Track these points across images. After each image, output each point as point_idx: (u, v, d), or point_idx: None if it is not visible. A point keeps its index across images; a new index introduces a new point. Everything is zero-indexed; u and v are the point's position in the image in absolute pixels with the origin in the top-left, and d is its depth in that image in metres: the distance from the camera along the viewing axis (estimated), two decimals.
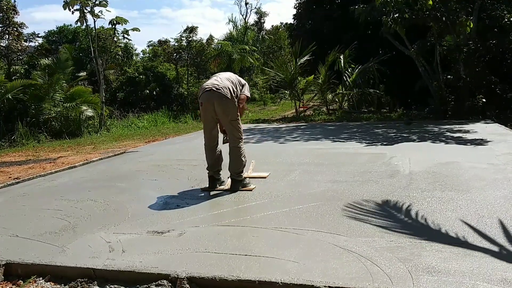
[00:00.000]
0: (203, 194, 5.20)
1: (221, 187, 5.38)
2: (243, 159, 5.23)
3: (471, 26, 11.98)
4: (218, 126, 5.37)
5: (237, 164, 5.20)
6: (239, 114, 5.20)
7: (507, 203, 4.21)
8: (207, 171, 5.40)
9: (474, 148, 7.68)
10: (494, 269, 2.78)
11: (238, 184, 5.24)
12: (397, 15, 12.53)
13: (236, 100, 5.10)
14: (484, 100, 14.25)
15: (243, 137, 5.33)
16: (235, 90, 5.11)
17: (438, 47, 14.55)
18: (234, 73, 5.81)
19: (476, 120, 12.61)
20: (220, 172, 5.44)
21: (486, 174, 5.50)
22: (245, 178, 5.39)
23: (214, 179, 5.36)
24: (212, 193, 5.24)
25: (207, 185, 5.44)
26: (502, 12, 13.77)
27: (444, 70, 15.06)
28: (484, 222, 3.69)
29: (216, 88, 4.98)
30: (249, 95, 5.36)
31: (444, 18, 12.62)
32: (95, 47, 17.97)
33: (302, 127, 13.50)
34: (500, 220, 3.70)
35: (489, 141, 8.32)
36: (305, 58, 18.20)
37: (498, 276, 2.69)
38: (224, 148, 5.40)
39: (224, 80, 5.12)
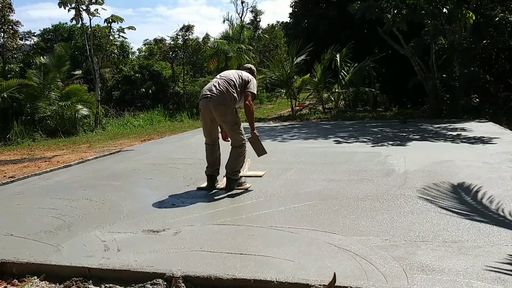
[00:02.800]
0: (198, 193, 5.20)
1: (217, 186, 5.38)
2: (241, 159, 5.25)
3: (473, 18, 12.00)
4: (221, 133, 5.39)
5: (234, 163, 5.21)
6: (239, 118, 5.18)
7: (501, 202, 4.23)
8: (206, 170, 5.39)
9: (469, 147, 7.71)
10: (488, 268, 2.79)
11: (234, 183, 5.24)
12: (395, 10, 12.45)
13: (235, 103, 5.05)
14: (478, 99, 14.30)
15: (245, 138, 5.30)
16: (235, 93, 5.02)
17: (433, 46, 14.59)
18: (247, 64, 5.72)
19: (470, 119, 12.65)
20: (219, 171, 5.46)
21: (481, 173, 5.52)
22: (241, 177, 5.40)
23: (213, 178, 5.36)
24: (207, 192, 5.24)
25: (203, 184, 5.45)
26: (497, 11, 13.81)
27: (439, 69, 15.10)
28: (478, 221, 3.71)
29: (212, 95, 4.94)
30: (255, 91, 5.19)
31: (446, 12, 12.56)
32: (90, 45, 17.92)
33: (297, 126, 13.51)
34: (495, 219, 3.72)
35: (483, 140, 8.35)
36: (302, 57, 18.21)
37: (492, 274, 2.70)
38: (222, 146, 5.41)
39: (223, 83, 5.02)
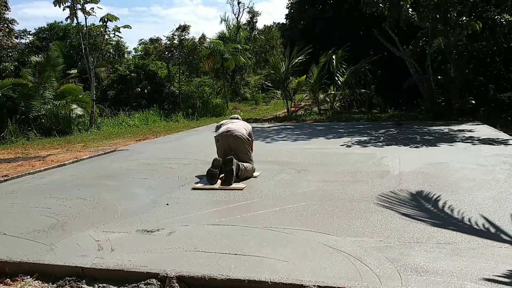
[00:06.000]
0: (193, 193, 5.19)
1: (217, 183, 5.40)
2: (250, 172, 5.85)
3: (480, 26, 12.20)
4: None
5: (243, 171, 5.70)
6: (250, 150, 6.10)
7: (495, 203, 4.25)
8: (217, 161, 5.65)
9: (464, 149, 7.74)
10: (482, 269, 2.80)
11: (232, 179, 5.44)
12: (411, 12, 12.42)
13: (249, 141, 6.04)
14: (473, 101, 14.36)
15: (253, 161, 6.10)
16: (246, 135, 6.07)
17: (429, 48, 14.64)
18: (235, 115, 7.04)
19: (465, 121, 12.70)
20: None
21: (475, 175, 5.54)
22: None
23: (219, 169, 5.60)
24: (202, 192, 5.23)
25: (198, 184, 5.49)
26: (493, 14, 13.87)
27: (435, 71, 15.15)
28: (472, 222, 3.72)
29: (231, 130, 5.93)
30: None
31: (450, 17, 12.60)
32: (86, 44, 17.84)
33: (293, 126, 13.51)
34: (489, 221, 3.74)
35: (478, 142, 8.39)
36: (300, 58, 18.21)
37: (486, 276, 2.71)
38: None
39: (238, 125, 6.10)
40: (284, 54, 19.27)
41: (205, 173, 5.71)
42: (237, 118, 6.71)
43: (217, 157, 5.78)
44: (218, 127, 6.36)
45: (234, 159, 5.56)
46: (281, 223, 3.88)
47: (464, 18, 12.49)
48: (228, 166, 5.48)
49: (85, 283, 2.95)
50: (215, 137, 6.11)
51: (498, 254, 3.05)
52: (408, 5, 12.36)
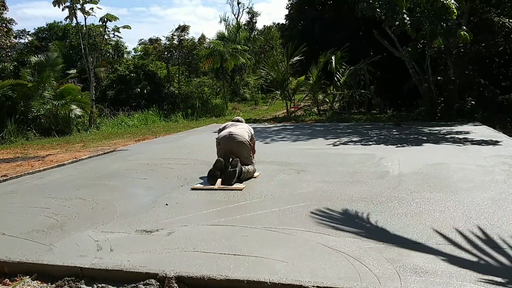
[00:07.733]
0: (192, 193, 5.19)
1: (217, 184, 5.39)
2: (250, 174, 5.84)
3: (471, 37, 12.26)
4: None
5: (245, 174, 5.70)
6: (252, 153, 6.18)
7: (494, 204, 4.25)
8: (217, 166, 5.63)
9: (463, 149, 7.74)
10: (481, 270, 2.80)
11: (233, 180, 5.41)
12: (407, 19, 12.45)
13: (250, 145, 6.09)
14: (473, 102, 14.35)
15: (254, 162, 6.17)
16: (249, 137, 6.13)
17: (428, 49, 14.64)
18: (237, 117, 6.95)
19: (465, 122, 12.71)
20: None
21: (474, 176, 5.54)
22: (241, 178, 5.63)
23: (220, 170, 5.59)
24: (201, 192, 5.23)
25: (197, 185, 5.47)
26: (492, 15, 13.88)
27: (434, 72, 15.15)
28: (471, 223, 3.72)
29: (233, 134, 5.98)
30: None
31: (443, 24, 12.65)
32: (85, 44, 17.84)
33: (292, 127, 13.52)
34: (488, 222, 3.74)
35: (477, 143, 8.39)
36: (296, 58, 18.23)
37: (485, 277, 2.71)
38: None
39: (240, 129, 6.14)
40: (284, 54, 19.29)
41: (204, 173, 5.72)
42: (239, 121, 6.65)
43: (219, 158, 5.78)
44: (220, 130, 6.34)
45: (239, 162, 5.58)
46: (280, 224, 3.87)
47: (459, 29, 12.53)
48: (232, 167, 5.49)
49: (84, 283, 2.95)
50: (216, 139, 6.13)
51: (499, 255, 3.05)
52: (405, 11, 12.35)
